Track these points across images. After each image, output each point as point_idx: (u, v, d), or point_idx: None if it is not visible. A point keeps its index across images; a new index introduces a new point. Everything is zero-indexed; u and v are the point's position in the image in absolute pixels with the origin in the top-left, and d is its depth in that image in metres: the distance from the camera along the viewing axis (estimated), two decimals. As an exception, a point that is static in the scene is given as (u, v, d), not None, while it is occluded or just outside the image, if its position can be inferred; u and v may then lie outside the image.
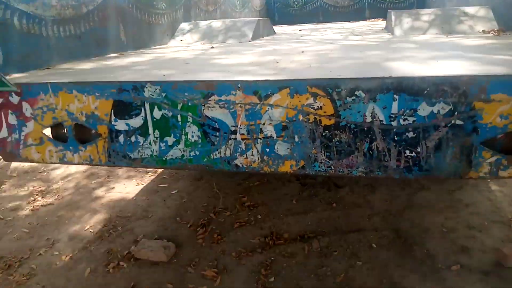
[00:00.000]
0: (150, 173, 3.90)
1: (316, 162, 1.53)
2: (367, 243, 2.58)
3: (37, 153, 1.84)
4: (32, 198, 3.52)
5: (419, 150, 1.42)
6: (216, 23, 3.81)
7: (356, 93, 1.40)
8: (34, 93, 1.73)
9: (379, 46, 2.58)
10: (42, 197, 3.54)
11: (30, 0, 2.11)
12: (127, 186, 3.65)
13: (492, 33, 2.82)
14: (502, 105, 1.31)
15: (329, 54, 2.36)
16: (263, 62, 2.09)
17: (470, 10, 3.25)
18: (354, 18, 6.81)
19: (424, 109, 1.37)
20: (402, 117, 1.39)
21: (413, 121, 1.39)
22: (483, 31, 2.94)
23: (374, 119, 1.41)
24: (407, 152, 1.43)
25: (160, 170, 3.92)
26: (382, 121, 1.41)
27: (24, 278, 2.48)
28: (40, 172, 4.13)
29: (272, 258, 2.50)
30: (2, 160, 3.40)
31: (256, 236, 2.73)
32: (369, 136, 1.45)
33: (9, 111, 1.80)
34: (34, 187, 3.76)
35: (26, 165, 4.31)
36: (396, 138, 1.42)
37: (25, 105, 1.76)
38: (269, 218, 2.95)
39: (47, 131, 1.81)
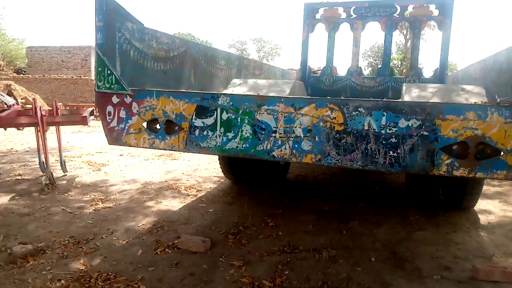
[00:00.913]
0: (191, 196, 4.61)
1: (328, 157, 2.23)
2: (367, 257, 3.11)
3: (134, 139, 2.64)
4: (94, 203, 4.27)
5: (399, 151, 2.09)
6: (261, 81, 4.75)
7: (359, 109, 2.14)
8: (143, 96, 2.57)
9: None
10: (102, 203, 4.28)
11: (141, 40, 3.07)
12: (172, 203, 4.36)
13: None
14: (453, 122, 2.00)
15: None
16: None
17: (467, 87, 4.02)
18: (379, 98, 7.71)
19: (402, 123, 2.08)
20: (388, 127, 2.10)
21: (395, 130, 2.09)
22: (474, 103, 3.68)
23: (370, 128, 2.13)
24: (391, 152, 2.11)
25: (200, 195, 4.64)
26: (375, 129, 2.12)
27: (90, 250, 3.14)
28: (100, 186, 4.92)
29: (288, 260, 3.06)
30: (65, 174, 4.16)
31: (276, 245, 3.31)
32: (366, 139, 2.15)
33: (122, 108, 2.64)
34: (95, 196, 4.53)
35: (88, 180, 5.14)
36: (383, 142, 2.11)
37: (134, 104, 2.61)
38: (288, 235, 3.54)
39: (145, 124, 2.62)
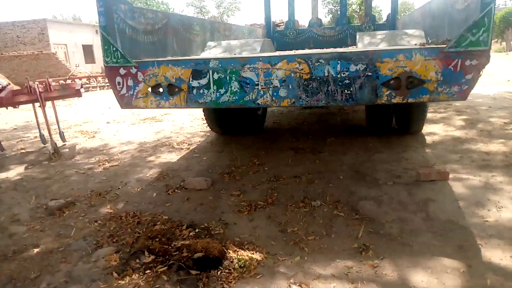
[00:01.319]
0: (184, 149, 5.29)
1: (300, 99, 2.93)
2: (337, 177, 3.93)
3: (143, 102, 3.24)
4: (101, 163, 4.88)
5: (351, 89, 2.81)
6: (234, 42, 5.32)
7: (320, 60, 2.82)
8: (146, 66, 3.15)
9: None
10: (108, 162, 4.90)
11: (133, 18, 3.57)
12: (170, 156, 5.03)
13: (418, 45, 4.31)
14: (389, 64, 2.72)
15: None
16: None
17: (410, 31, 4.76)
18: (338, 45, 8.40)
19: (352, 68, 2.78)
20: (342, 72, 2.80)
21: (348, 74, 2.79)
22: (415, 44, 4.43)
23: (329, 74, 2.82)
24: (346, 91, 2.83)
25: (192, 147, 5.32)
26: (333, 74, 2.81)
27: (112, 198, 3.81)
28: (101, 150, 5.51)
29: (275, 186, 3.84)
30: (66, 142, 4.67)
31: (264, 177, 4.08)
32: (327, 83, 2.85)
33: (129, 77, 3.21)
34: (100, 158, 5.12)
35: (88, 146, 5.70)
36: (340, 83, 2.82)
37: (139, 74, 3.18)
38: (272, 168, 4.31)
39: (150, 89, 3.22)
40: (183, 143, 5.64)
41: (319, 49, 3.21)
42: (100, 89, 16.80)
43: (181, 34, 4.58)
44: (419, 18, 5.29)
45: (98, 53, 32.35)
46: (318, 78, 2.85)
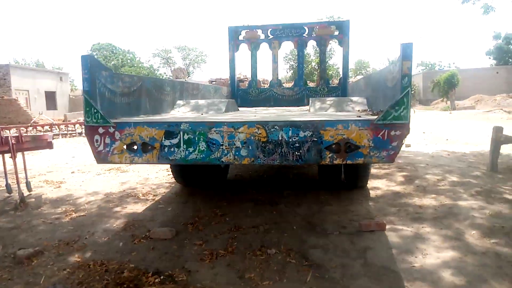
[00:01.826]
0: (150, 200, 5.57)
1: (258, 159, 3.42)
2: (291, 227, 4.37)
3: (118, 158, 3.60)
4: (68, 213, 5.05)
5: (301, 151, 3.35)
6: (201, 101, 5.86)
7: (275, 126, 3.36)
8: (123, 126, 3.56)
9: (295, 115, 4.69)
10: (75, 213, 5.08)
11: (112, 82, 4.02)
12: (136, 207, 5.29)
13: (360, 111, 5.03)
14: (330, 132, 3.30)
15: (268, 114, 4.39)
16: (235, 116, 4.07)
17: (354, 98, 5.52)
18: (296, 104, 9.20)
19: (301, 134, 3.34)
20: (293, 137, 3.34)
21: (297, 139, 3.34)
22: (358, 111, 5.15)
23: (282, 138, 3.35)
24: (296, 152, 3.36)
25: (157, 198, 5.62)
26: (286, 139, 3.35)
27: (80, 247, 4.02)
28: (67, 200, 5.67)
29: (236, 235, 4.21)
30: (29, 192, 4.87)
31: (225, 227, 4.44)
32: (281, 146, 3.37)
33: (107, 135, 3.60)
34: (66, 208, 5.29)
35: (54, 196, 5.84)
36: (291, 146, 3.35)
37: (116, 133, 3.58)
38: (233, 219, 4.69)
39: (125, 146, 3.61)
40: (149, 194, 5.92)
41: (275, 117, 3.84)
42: (62, 137, 16.69)
43: (153, 94, 5.06)
44: (363, 86, 6.11)
45: (61, 100, 32.15)
46: (274, 141, 3.37)
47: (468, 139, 10.99)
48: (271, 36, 9.39)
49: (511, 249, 3.59)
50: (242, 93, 9.71)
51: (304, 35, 9.32)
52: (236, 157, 3.43)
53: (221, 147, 3.44)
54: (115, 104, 4.09)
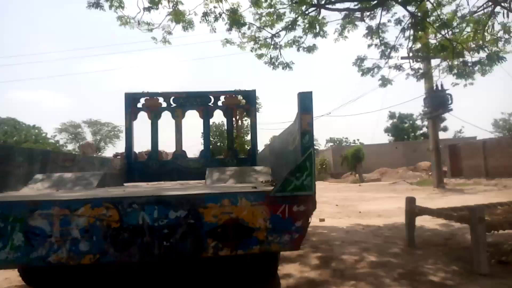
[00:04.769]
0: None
1: (107, 255, 2.29)
2: None
3: None
4: None
5: (171, 241, 2.31)
6: (68, 174, 4.59)
7: (133, 205, 2.32)
8: None
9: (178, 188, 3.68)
10: None
11: None
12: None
13: (264, 182, 4.21)
14: (213, 209, 2.35)
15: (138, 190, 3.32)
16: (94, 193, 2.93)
17: (258, 168, 4.73)
18: (203, 178, 8.21)
19: (172, 214, 2.33)
20: (160, 220, 2.32)
21: (166, 222, 2.32)
22: (262, 181, 4.33)
23: (144, 222, 2.31)
24: (165, 243, 2.32)
25: None
26: (149, 223, 2.31)
27: None
28: None
29: None
30: None
31: None
32: (141, 233, 2.31)
33: None
34: None
35: None
36: (157, 234, 2.31)
37: None
38: None
39: None
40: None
41: (132, 192, 2.72)
42: None
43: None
44: (268, 154, 5.41)
45: None
46: (131, 227, 2.30)
47: (380, 211, 10.84)
48: (174, 104, 8.62)
49: None
50: (141, 166, 8.51)
51: (210, 104, 8.70)
52: (72, 254, 2.27)
53: (49, 239, 2.27)
54: None
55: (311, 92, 2.57)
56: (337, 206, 12.84)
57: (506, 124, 52.00)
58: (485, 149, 24.88)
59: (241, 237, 2.39)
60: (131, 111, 8.46)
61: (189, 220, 2.33)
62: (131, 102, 8.49)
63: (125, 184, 6.44)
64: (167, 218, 2.31)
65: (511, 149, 22.33)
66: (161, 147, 9.77)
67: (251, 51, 10.64)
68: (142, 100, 8.59)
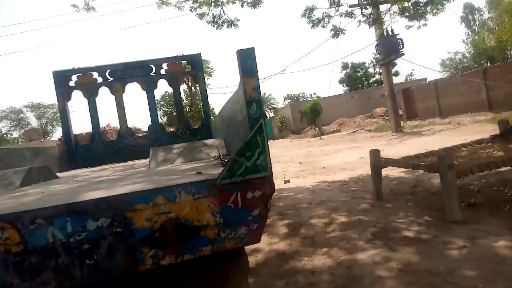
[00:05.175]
0: None
1: (11, 287, 1.75)
2: None
3: None
4: None
5: (96, 258, 1.80)
6: (-18, 175, 3.86)
7: (37, 220, 1.76)
8: None
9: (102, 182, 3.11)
10: None
11: None
12: None
13: (216, 158, 3.71)
14: (144, 211, 1.85)
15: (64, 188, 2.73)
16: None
17: (209, 141, 4.21)
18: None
19: (91, 225, 1.80)
20: (77, 234, 1.79)
21: (85, 235, 1.80)
22: (214, 157, 3.83)
23: (55, 239, 1.77)
24: (87, 261, 1.80)
25: None
26: (62, 239, 1.77)
27: None
28: None
29: None
30: None
31: None
32: (55, 254, 1.78)
33: None
34: None
35: None
36: (76, 251, 1.79)
37: None
38: None
39: None
40: None
41: (33, 204, 2.13)
42: None
43: None
44: (220, 124, 4.89)
45: None
46: (38, 248, 1.76)
47: (343, 164, 10.73)
48: (111, 79, 7.78)
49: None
50: (84, 151, 7.75)
51: (151, 73, 7.92)
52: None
53: None
54: None
55: (253, 48, 2.03)
56: (301, 164, 12.67)
57: (453, 63, 53.90)
58: (437, 89, 25.58)
59: (186, 240, 1.92)
60: (63, 91, 7.57)
61: (115, 229, 1.82)
62: (62, 81, 7.58)
63: (65, 173, 5.74)
64: (85, 230, 1.79)
65: (461, 86, 23.05)
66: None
67: (191, 10, 9.76)
68: (75, 78, 7.69)
